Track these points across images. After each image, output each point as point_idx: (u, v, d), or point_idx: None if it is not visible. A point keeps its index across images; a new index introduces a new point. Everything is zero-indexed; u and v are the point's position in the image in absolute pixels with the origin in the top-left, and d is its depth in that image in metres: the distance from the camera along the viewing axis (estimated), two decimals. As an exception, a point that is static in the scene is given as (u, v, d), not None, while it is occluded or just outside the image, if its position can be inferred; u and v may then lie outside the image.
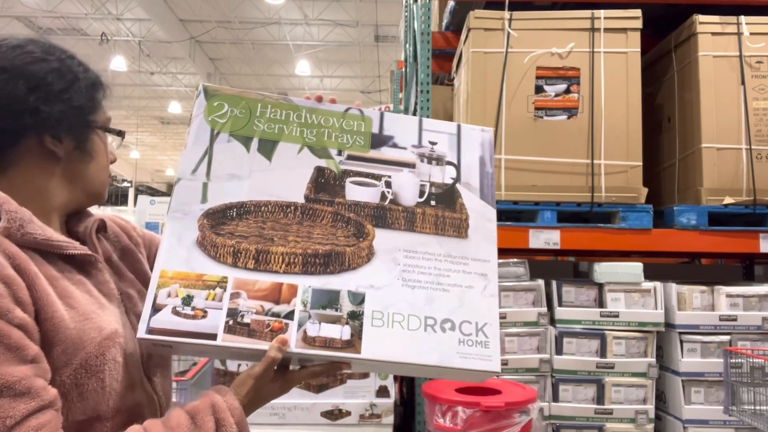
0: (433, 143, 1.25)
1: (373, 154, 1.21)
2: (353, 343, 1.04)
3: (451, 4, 2.97)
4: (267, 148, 1.17)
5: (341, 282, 1.09)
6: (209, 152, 1.15)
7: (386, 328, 1.06)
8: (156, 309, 1.02)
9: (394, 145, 1.23)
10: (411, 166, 1.22)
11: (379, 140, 1.23)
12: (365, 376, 2.24)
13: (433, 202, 1.19)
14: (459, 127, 1.29)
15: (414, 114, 3.71)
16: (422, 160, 1.22)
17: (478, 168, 1.25)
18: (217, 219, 1.10)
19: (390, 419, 2.22)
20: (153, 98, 18.83)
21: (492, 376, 1.10)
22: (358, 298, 1.08)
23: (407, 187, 1.18)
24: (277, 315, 1.05)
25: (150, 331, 1.00)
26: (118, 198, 28.23)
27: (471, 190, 1.23)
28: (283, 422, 2.19)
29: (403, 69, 5.14)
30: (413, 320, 1.07)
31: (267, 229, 1.11)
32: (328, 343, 1.03)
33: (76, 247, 1.03)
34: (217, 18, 13.30)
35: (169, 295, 1.03)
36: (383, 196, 1.18)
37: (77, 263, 1.04)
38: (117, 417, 0.99)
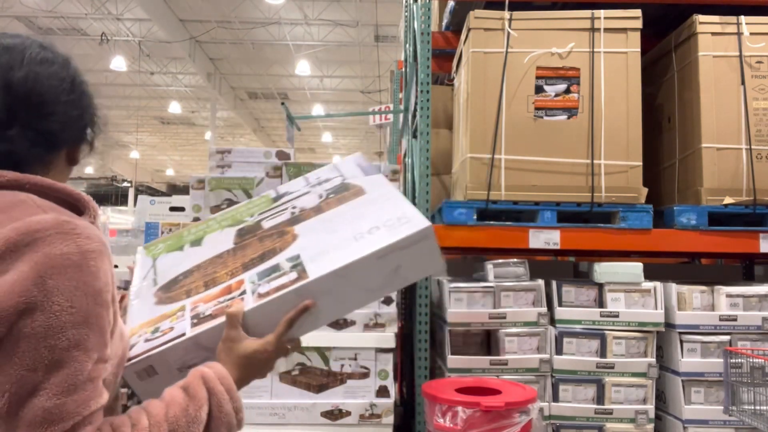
0: (318, 177, 1.54)
1: (276, 204, 1.49)
2: (301, 276, 1.18)
3: (451, 4, 2.97)
4: (197, 243, 1.44)
5: (278, 258, 1.26)
6: (154, 266, 1.42)
7: (324, 256, 1.21)
8: (130, 347, 1.16)
9: (290, 195, 1.51)
10: (306, 194, 1.50)
11: (279, 198, 1.51)
12: (365, 376, 2.24)
13: (331, 195, 1.43)
14: (334, 162, 1.58)
15: (414, 113, 3.73)
16: (313, 187, 1.51)
17: (356, 165, 1.52)
18: (169, 286, 1.32)
19: (390, 419, 2.22)
20: (153, 98, 18.81)
21: (429, 236, 1.20)
22: (295, 259, 1.24)
23: (308, 201, 1.45)
24: (232, 298, 1.20)
25: (128, 359, 1.12)
26: (118, 198, 28.20)
27: (356, 178, 1.47)
28: (283, 422, 2.20)
29: (403, 69, 5.14)
30: (345, 242, 1.23)
31: (209, 271, 1.32)
32: (279, 288, 1.17)
33: None
34: (217, 18, 13.28)
35: (139, 336, 1.18)
36: (292, 214, 1.42)
37: None
38: (114, 402, 1.07)
